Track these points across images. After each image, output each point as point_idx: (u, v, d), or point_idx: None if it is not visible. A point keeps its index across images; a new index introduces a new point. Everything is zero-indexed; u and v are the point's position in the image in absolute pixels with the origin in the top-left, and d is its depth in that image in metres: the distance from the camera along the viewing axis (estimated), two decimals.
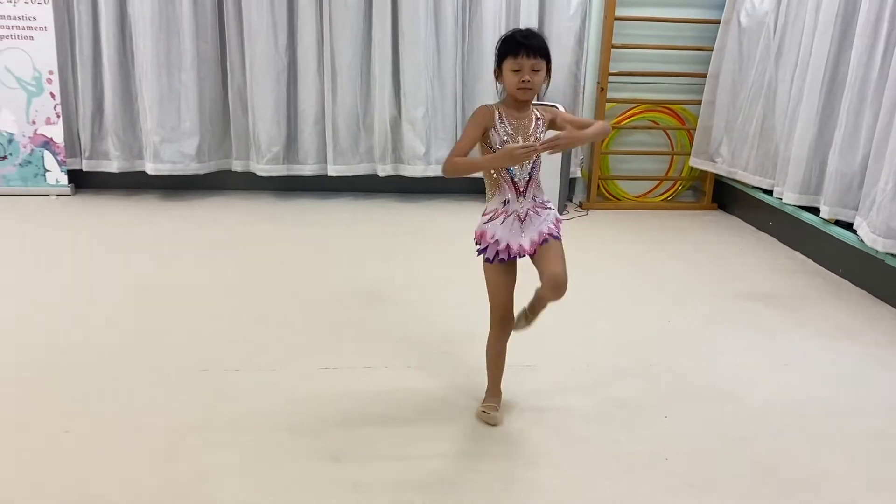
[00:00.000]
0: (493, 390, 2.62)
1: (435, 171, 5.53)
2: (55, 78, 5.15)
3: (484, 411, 2.56)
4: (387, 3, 5.24)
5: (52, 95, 5.17)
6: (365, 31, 5.33)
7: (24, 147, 5.22)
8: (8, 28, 5.02)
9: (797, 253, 4.64)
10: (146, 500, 2.10)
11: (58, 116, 5.21)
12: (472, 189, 5.80)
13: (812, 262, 4.47)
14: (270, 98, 5.32)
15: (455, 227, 5.07)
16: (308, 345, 3.13)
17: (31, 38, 5.05)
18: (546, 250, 2.40)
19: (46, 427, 2.44)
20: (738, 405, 2.77)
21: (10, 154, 5.21)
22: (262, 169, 5.45)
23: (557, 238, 2.43)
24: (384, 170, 5.54)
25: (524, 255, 2.43)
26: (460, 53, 5.46)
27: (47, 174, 5.29)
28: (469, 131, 2.38)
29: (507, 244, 2.41)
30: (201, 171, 5.40)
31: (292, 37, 5.31)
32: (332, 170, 5.50)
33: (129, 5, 5.10)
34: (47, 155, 5.26)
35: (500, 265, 2.44)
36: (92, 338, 3.11)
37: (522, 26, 5.32)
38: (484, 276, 2.48)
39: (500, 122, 2.35)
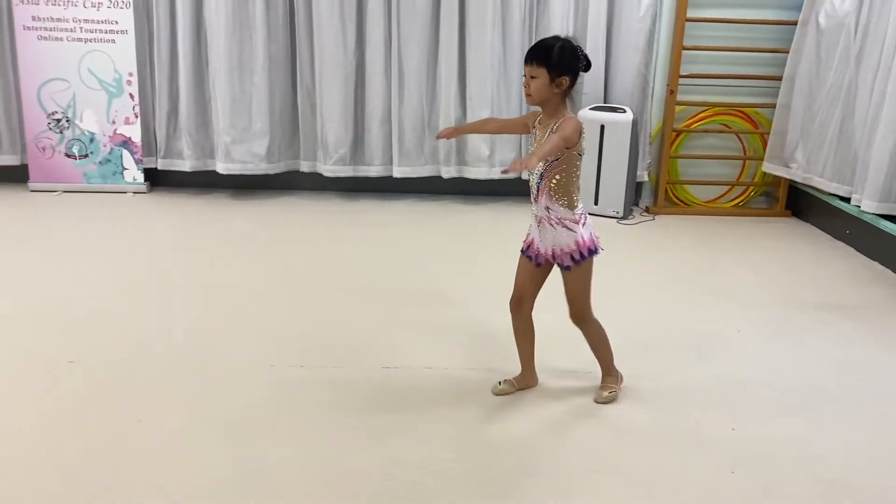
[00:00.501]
0: (523, 366, 2.77)
1: (498, 173, 5.53)
2: (134, 80, 5.35)
3: (498, 383, 2.75)
4: (454, 5, 5.26)
5: (131, 96, 5.37)
6: (432, 34, 5.36)
7: (105, 146, 5.44)
8: (91, 32, 5.24)
9: (875, 263, 4.44)
10: (216, 488, 2.16)
11: (136, 117, 5.41)
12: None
13: (892, 272, 4.28)
14: (338, 99, 5.40)
15: (518, 229, 5.04)
16: (370, 343, 3.16)
17: (113, 41, 5.27)
18: (565, 279, 2.57)
19: (120, 416, 2.53)
20: (811, 419, 2.67)
21: (92, 152, 5.44)
22: (329, 170, 5.54)
23: (569, 268, 2.53)
24: (448, 172, 5.56)
25: (550, 262, 2.59)
26: None
27: (125, 172, 5.50)
28: (519, 118, 2.73)
29: (537, 246, 2.58)
30: (270, 171, 5.53)
31: (361, 39, 5.39)
32: (398, 171, 5.55)
33: (205, 9, 5.26)
34: (125, 154, 5.46)
35: (528, 259, 2.62)
36: (163, 331, 3.22)
37: (590, 28, 5.32)
38: (590, 276, 2.58)
39: (534, 126, 2.54)
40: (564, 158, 2.46)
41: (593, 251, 2.54)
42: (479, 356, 3.05)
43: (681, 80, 5.39)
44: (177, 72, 5.40)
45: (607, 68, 5.46)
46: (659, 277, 4.13)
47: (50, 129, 5.37)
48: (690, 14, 5.27)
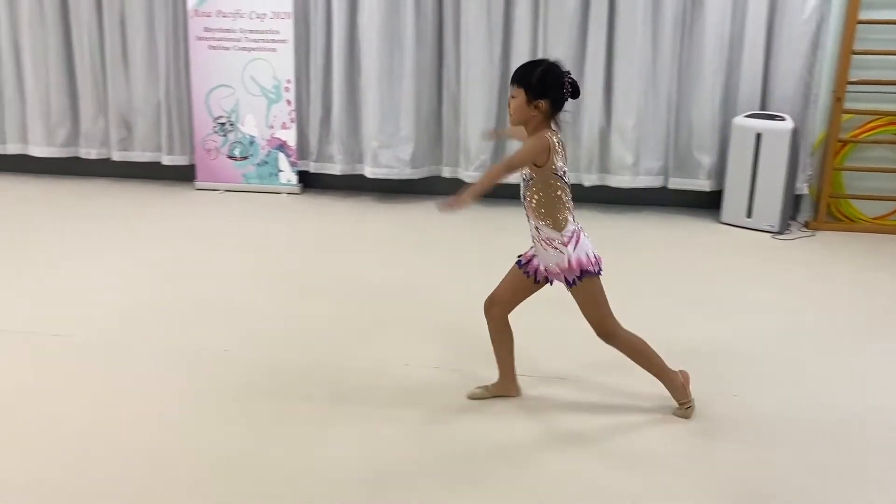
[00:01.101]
0: (500, 373, 2.72)
1: (643, 182, 5.37)
2: (292, 87, 5.65)
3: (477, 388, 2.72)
4: (603, 11, 5.17)
5: (288, 102, 5.68)
6: (579, 41, 5.30)
7: (263, 149, 5.79)
8: (255, 41, 5.60)
9: None
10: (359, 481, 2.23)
11: (292, 122, 5.72)
12: (680, 202, 5.55)
13: None
14: (482, 107, 5.45)
15: (661, 240, 4.88)
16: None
17: (274, 49, 5.60)
18: (574, 297, 2.51)
19: (264, 409, 2.67)
20: None
21: (251, 155, 5.81)
22: (470, 176, 5.59)
23: (571, 285, 2.47)
24: (590, 179, 5.46)
25: (546, 280, 2.55)
26: (678, 61, 5.24)
27: (280, 174, 5.82)
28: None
29: (536, 262, 2.57)
30: (414, 176, 5.66)
31: (507, 47, 5.41)
32: None
33: (358, 19, 5.48)
34: (281, 156, 5.79)
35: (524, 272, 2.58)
36: (307, 328, 3.36)
37: (748, 31, 5.05)
38: (599, 296, 2.51)
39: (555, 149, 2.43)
40: (539, 178, 2.43)
41: (590, 272, 2.46)
42: (607, 371, 2.96)
43: (849, 87, 5.01)
44: (330, 79, 5.65)
45: (766, 74, 5.16)
46: (820, 298, 3.84)
47: (215, 132, 5.79)
48: (863, 16, 4.88)
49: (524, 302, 2.66)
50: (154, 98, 5.87)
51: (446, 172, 5.76)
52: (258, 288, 3.84)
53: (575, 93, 2.45)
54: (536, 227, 2.51)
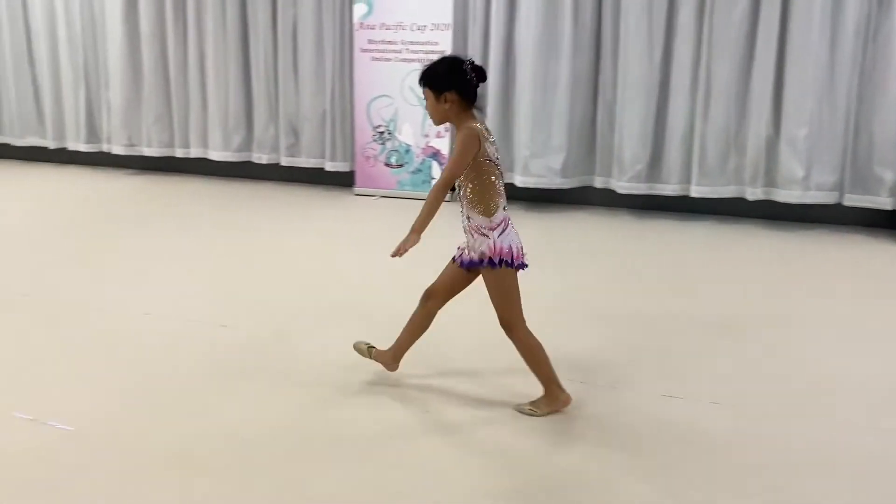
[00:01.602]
0: (394, 345, 2.81)
1: (815, 197, 5.00)
2: None
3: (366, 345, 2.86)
4: (775, 15, 4.88)
5: None
6: (746, 47, 5.03)
7: (417, 157, 5.95)
8: (415, 52, 5.77)
9: None
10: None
11: (446, 131, 5.84)
12: (856, 221, 5.12)
13: None
14: (638, 116, 5.31)
15: (833, 262, 4.52)
16: (652, 368, 3.03)
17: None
18: (484, 280, 2.58)
19: (410, 406, 2.73)
20: None
21: (406, 162, 5.99)
22: (623, 186, 5.46)
23: (480, 264, 2.54)
24: (754, 193, 5.16)
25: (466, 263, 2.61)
26: (859, 69, 4.84)
27: (432, 181, 5.95)
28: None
29: (464, 250, 2.65)
30: (564, 186, 5.60)
31: (667, 54, 5.24)
32: (696, 191, 5.29)
33: (515, 29, 5.51)
34: (434, 164, 5.92)
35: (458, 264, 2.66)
36: (450, 334, 3.41)
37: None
38: (509, 289, 2.59)
39: (484, 137, 2.50)
40: (473, 166, 2.46)
41: (508, 263, 2.49)
42: (774, 399, 2.76)
43: None
44: (485, 88, 5.71)
45: None
46: None
47: (374, 140, 6.02)
48: None
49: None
50: (320, 107, 6.20)
51: (598, 183, 5.65)
52: (405, 290, 3.93)
53: (480, 76, 2.50)
54: (468, 217, 2.58)
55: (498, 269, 2.51)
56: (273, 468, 2.29)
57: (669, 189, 5.40)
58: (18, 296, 3.71)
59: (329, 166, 6.26)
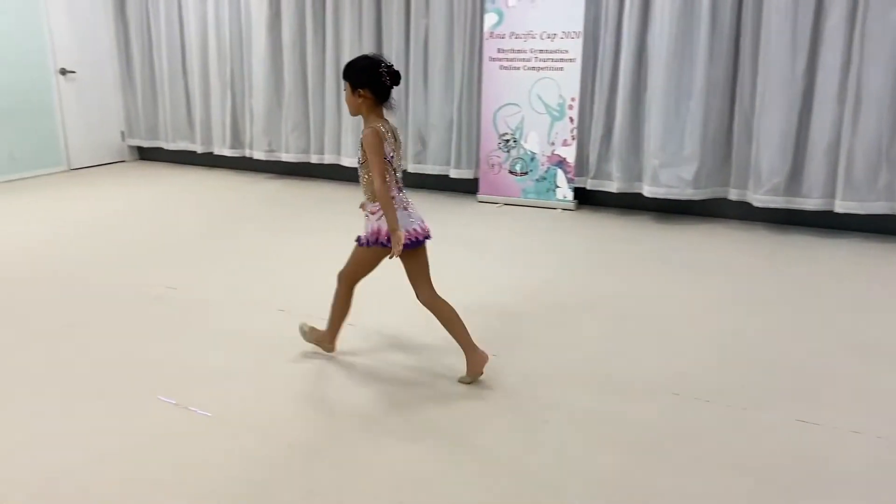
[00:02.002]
0: (328, 327, 3.11)
1: None
2: (576, 104, 5.72)
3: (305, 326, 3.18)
4: None
5: (571, 120, 5.75)
6: None
7: (542, 165, 5.93)
8: (544, 61, 5.76)
9: None
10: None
11: (572, 139, 5.78)
12: None
13: None
14: (778, 126, 5.04)
15: None
16: (787, 392, 2.87)
17: (561, 68, 5.71)
18: (353, 251, 2.94)
19: (527, 418, 2.72)
20: None
21: (531, 170, 5.98)
22: (760, 199, 5.20)
23: (359, 243, 2.91)
24: None
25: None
26: None
27: (557, 190, 5.91)
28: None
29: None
30: (696, 197, 5.41)
31: (812, 61, 4.95)
32: (840, 206, 4.96)
33: (649, 36, 5.39)
34: (559, 173, 5.88)
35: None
36: (570, 343, 3.37)
37: None
38: (365, 260, 2.92)
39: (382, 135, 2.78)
40: (362, 158, 2.80)
41: (377, 242, 2.82)
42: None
43: None
44: (615, 96, 5.62)
45: None
46: None
47: (499, 148, 6.05)
48: None
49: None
50: (448, 115, 6.31)
51: (733, 195, 5.41)
52: (524, 296, 3.93)
53: (394, 80, 2.76)
54: (366, 201, 2.86)
55: (365, 248, 2.88)
56: (377, 457, 2.34)
57: (811, 203, 5.09)
58: (165, 289, 4.00)
59: (454, 173, 6.35)
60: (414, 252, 2.90)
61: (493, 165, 6.12)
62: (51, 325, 3.51)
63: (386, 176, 2.75)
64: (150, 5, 7.70)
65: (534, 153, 5.94)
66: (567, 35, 5.65)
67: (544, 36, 5.73)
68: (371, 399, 2.80)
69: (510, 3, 5.80)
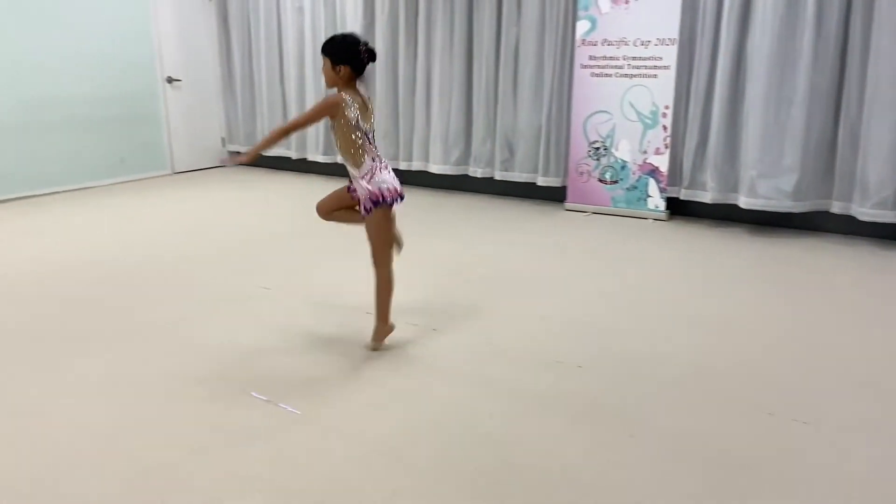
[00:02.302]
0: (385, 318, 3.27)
1: None
2: (669, 112, 5.59)
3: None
4: None
5: (664, 128, 5.62)
6: None
7: (633, 174, 5.81)
8: (637, 68, 5.66)
9: None
10: None
11: (666, 147, 5.65)
12: None
13: None
14: (888, 136, 4.78)
15: None
16: (885, 415, 2.70)
17: (655, 76, 5.59)
18: (366, 224, 3.18)
19: (613, 431, 2.67)
20: None
21: (622, 179, 5.87)
22: (866, 213, 4.94)
23: (367, 212, 3.10)
24: None
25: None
26: None
27: (648, 199, 5.79)
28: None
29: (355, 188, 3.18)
30: (795, 210, 5.18)
31: None
32: None
33: (748, 41, 5.21)
34: (651, 182, 5.75)
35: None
36: (661, 352, 3.28)
37: None
38: (381, 225, 3.12)
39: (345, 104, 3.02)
40: (337, 128, 3.03)
41: (380, 203, 3.04)
42: None
43: None
44: (711, 104, 5.46)
45: None
46: None
47: (589, 156, 5.98)
48: None
49: None
50: (536, 123, 6.28)
51: (836, 208, 5.16)
52: (614, 308, 3.86)
53: (371, 57, 3.04)
54: (346, 167, 3.12)
55: (373, 212, 3.07)
56: (438, 460, 2.34)
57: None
58: (259, 289, 4.14)
59: (541, 181, 6.31)
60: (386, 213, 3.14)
61: (582, 173, 6.05)
62: (151, 319, 3.69)
63: (304, 123, 3.04)
64: (251, 16, 8.02)
65: (625, 161, 5.84)
66: (662, 42, 5.53)
67: (638, 43, 5.63)
68: (462, 402, 2.81)
69: (603, 10, 5.73)
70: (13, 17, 6.55)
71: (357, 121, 3.02)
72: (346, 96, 3.00)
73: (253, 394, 2.88)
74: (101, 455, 2.47)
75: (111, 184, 7.43)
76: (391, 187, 3.08)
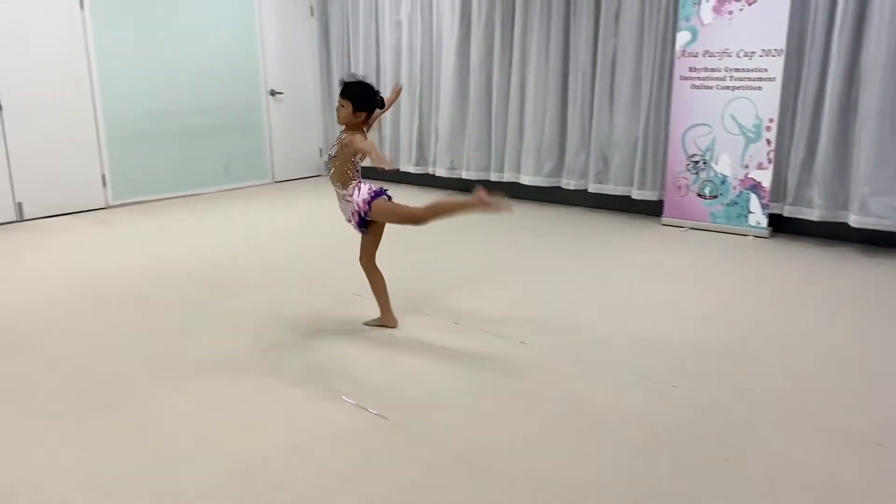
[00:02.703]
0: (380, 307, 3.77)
1: None
2: (774, 125, 5.36)
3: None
4: None
5: (768, 142, 5.40)
6: None
7: (734, 189, 5.61)
8: (740, 80, 5.46)
9: None
10: None
11: (769, 162, 5.42)
12: None
13: None
14: None
15: None
16: None
17: (759, 88, 5.38)
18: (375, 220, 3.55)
19: (709, 452, 2.57)
20: None
21: (721, 194, 5.68)
22: None
23: (366, 217, 3.50)
24: None
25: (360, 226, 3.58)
26: None
27: (749, 216, 5.57)
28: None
29: (346, 218, 3.65)
30: None
31: None
32: None
33: (862, 52, 4.94)
34: (752, 197, 5.53)
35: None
36: (760, 373, 3.14)
37: None
38: (391, 208, 3.48)
39: (337, 137, 3.56)
40: (340, 158, 3.47)
41: (372, 198, 3.44)
42: None
43: None
44: (819, 117, 5.21)
45: None
46: None
47: (687, 169, 5.81)
48: None
49: None
50: (633, 135, 6.16)
51: None
52: (710, 327, 3.73)
53: (381, 105, 3.53)
54: (336, 190, 3.54)
55: (371, 211, 3.44)
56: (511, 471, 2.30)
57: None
58: (353, 296, 4.23)
59: (636, 194, 6.18)
60: (375, 223, 3.55)
61: (679, 187, 5.89)
62: (253, 320, 3.83)
63: (371, 153, 3.29)
64: (350, 31, 8.25)
65: (725, 176, 5.64)
66: (767, 53, 5.33)
67: (741, 54, 5.44)
68: (554, 413, 2.78)
69: (705, 21, 5.57)
70: (137, 37, 7.01)
71: (361, 158, 3.49)
72: (359, 137, 3.42)
73: (344, 398, 2.94)
74: (203, 452, 2.57)
75: (217, 191, 7.78)
76: (371, 189, 3.47)
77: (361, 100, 3.43)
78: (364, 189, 3.47)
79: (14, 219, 6.44)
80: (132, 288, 4.47)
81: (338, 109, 3.47)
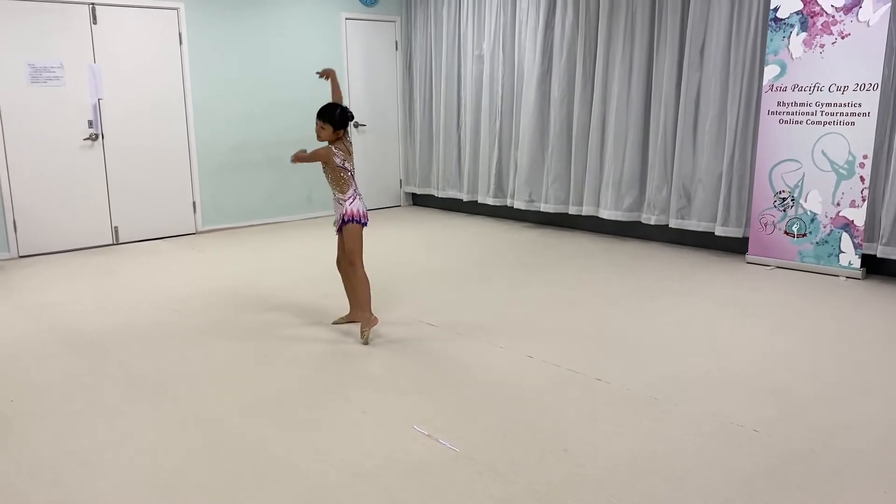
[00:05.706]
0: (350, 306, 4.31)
1: None
2: (868, 162, 5.14)
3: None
4: None
5: (861, 179, 5.18)
6: None
7: (824, 227, 5.38)
8: (831, 115, 5.28)
9: None
10: None
11: (863, 200, 5.19)
12: None
13: None
14: None
15: None
16: None
17: (852, 123, 5.18)
18: (344, 236, 4.12)
19: (793, 496, 2.45)
20: None
21: (810, 232, 5.46)
22: None
23: (344, 223, 4.07)
24: None
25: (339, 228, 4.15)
26: None
27: (841, 255, 5.33)
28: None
29: (336, 219, 4.17)
30: None
31: None
32: None
33: None
34: (844, 237, 5.30)
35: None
36: (853, 420, 2.98)
37: None
38: (358, 237, 4.05)
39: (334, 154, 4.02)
40: (328, 169, 4.01)
41: (357, 220, 4.02)
42: None
43: None
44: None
45: None
46: None
47: (774, 206, 5.62)
48: None
49: None
50: (717, 170, 6.02)
51: None
52: (796, 371, 3.56)
53: (352, 117, 4.07)
54: (333, 194, 4.05)
55: (349, 225, 4.00)
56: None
57: None
58: (424, 325, 4.25)
59: (720, 231, 6.02)
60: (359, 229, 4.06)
61: (766, 224, 5.69)
62: (329, 344, 3.90)
63: (308, 159, 3.95)
64: (433, 65, 8.41)
65: (815, 213, 5.43)
66: (861, 87, 5.13)
67: (833, 88, 5.26)
68: (639, 441, 2.71)
69: (795, 55, 5.42)
70: (228, 72, 7.37)
71: (343, 163, 3.99)
72: (335, 149, 3.97)
73: (415, 427, 2.95)
74: (275, 472, 2.62)
75: (299, 219, 8.01)
76: (363, 211, 4.05)
77: (339, 121, 3.98)
78: (357, 204, 4.04)
79: (111, 242, 6.80)
80: (216, 311, 4.63)
81: (318, 132, 4.01)
